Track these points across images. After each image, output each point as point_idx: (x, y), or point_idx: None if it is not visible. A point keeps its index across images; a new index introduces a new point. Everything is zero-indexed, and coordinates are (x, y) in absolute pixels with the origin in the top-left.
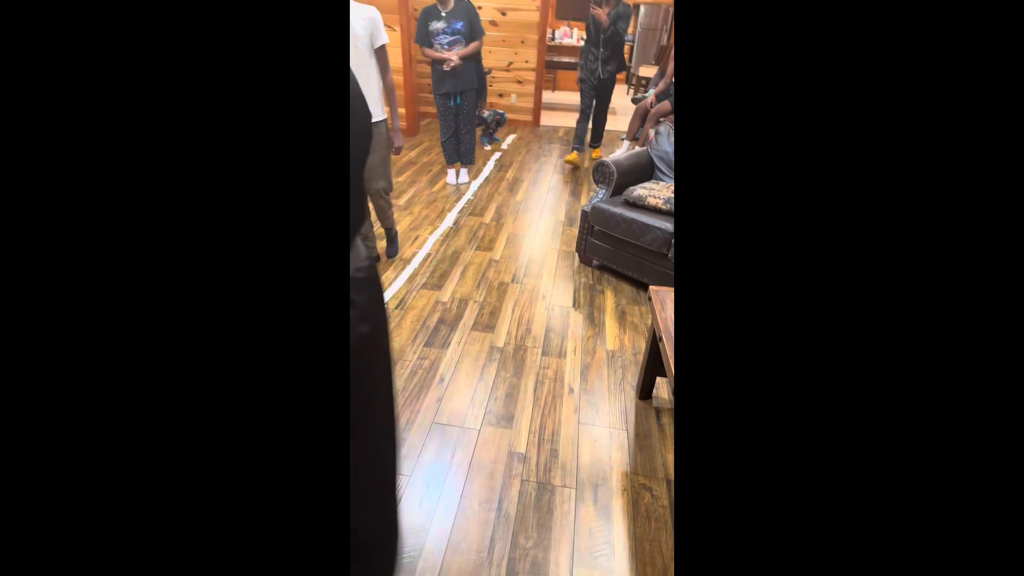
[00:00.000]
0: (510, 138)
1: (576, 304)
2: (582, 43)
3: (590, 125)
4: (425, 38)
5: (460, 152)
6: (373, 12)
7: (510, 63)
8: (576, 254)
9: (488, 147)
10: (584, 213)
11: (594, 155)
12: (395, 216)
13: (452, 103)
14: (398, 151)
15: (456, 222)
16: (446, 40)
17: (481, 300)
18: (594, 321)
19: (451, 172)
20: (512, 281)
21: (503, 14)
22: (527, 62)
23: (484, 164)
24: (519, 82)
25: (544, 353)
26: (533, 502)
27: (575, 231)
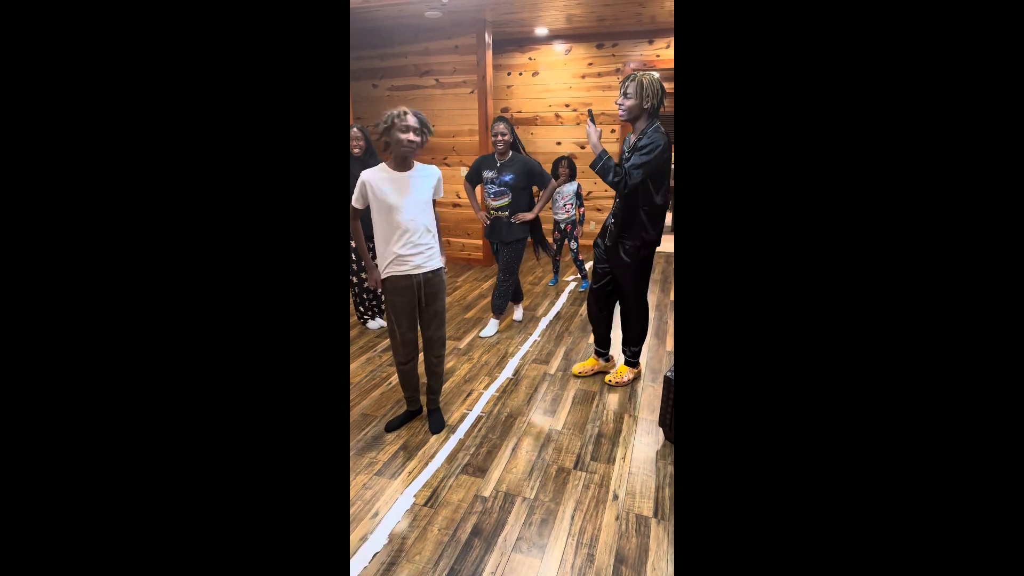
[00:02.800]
0: (588, 265)
1: (660, 514)
2: None
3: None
4: (475, 177)
5: (493, 300)
6: (437, 172)
7: (589, 192)
8: (660, 429)
9: (587, 288)
10: (667, 380)
11: (614, 375)
12: (452, 364)
13: (496, 249)
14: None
15: (517, 371)
16: (493, 190)
17: (532, 497)
18: None
19: (517, 310)
20: (575, 467)
21: (582, 148)
22: (606, 190)
23: (558, 296)
24: (598, 209)
25: None
26: None
27: (658, 388)
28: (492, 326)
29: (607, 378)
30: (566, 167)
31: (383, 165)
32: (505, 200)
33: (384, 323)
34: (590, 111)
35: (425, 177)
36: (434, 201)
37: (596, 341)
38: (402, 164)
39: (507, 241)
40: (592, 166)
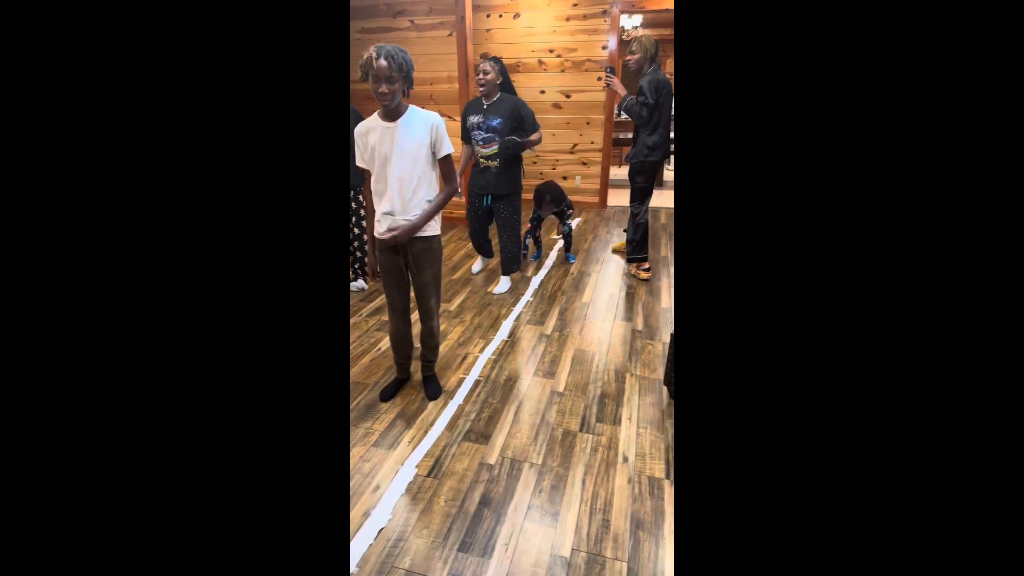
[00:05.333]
0: (575, 222)
1: (672, 475)
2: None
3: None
4: (466, 133)
5: (503, 261)
6: (436, 118)
7: (575, 145)
8: (665, 388)
9: (573, 261)
10: (674, 338)
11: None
12: (444, 326)
13: (484, 202)
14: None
15: (512, 333)
16: (480, 137)
17: (539, 463)
18: None
19: (478, 261)
20: (581, 429)
21: (567, 96)
22: (592, 143)
23: (547, 255)
24: (584, 164)
25: (631, 574)
26: None
27: (657, 346)
28: (504, 283)
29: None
30: (550, 202)
31: (376, 115)
32: (494, 148)
33: (365, 285)
34: (610, 68)
35: (418, 126)
36: (445, 158)
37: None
38: (391, 113)
39: (499, 195)
40: (618, 106)
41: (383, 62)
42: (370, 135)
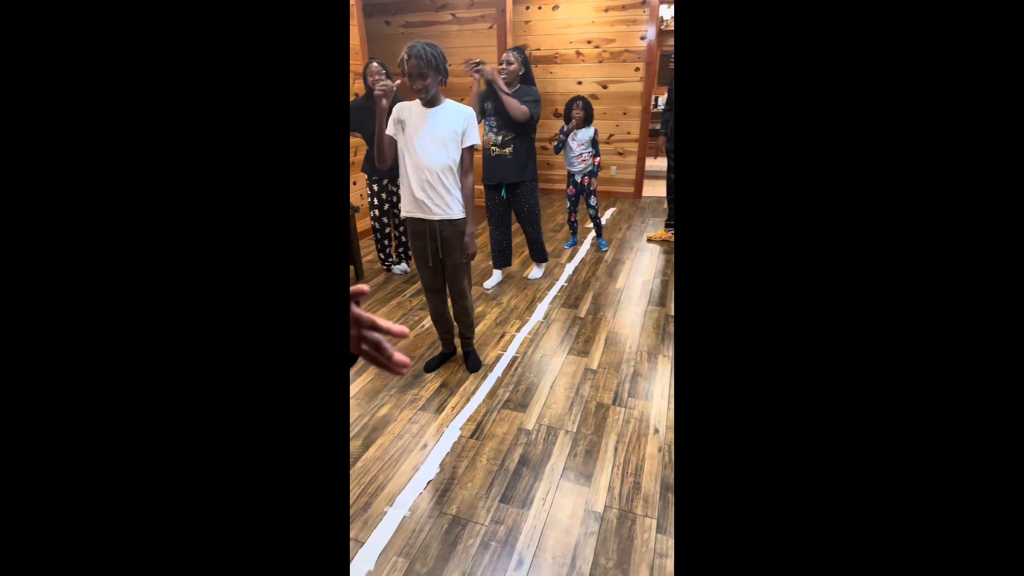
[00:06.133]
0: (609, 212)
1: None
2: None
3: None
4: (480, 115)
5: (534, 252)
6: (471, 112)
7: (611, 135)
8: None
9: (606, 249)
10: None
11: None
12: (481, 308)
13: (500, 195)
14: (471, 257)
15: (547, 315)
16: (493, 123)
17: (574, 431)
18: None
19: (496, 274)
20: (614, 403)
21: (604, 87)
22: (629, 133)
23: (581, 243)
24: (620, 154)
25: (660, 530)
26: None
27: None
28: (538, 270)
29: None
30: (580, 108)
31: (416, 100)
32: (507, 135)
33: (408, 268)
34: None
35: (451, 116)
36: (470, 147)
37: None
38: (428, 102)
39: (514, 183)
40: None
41: (414, 61)
42: (405, 113)
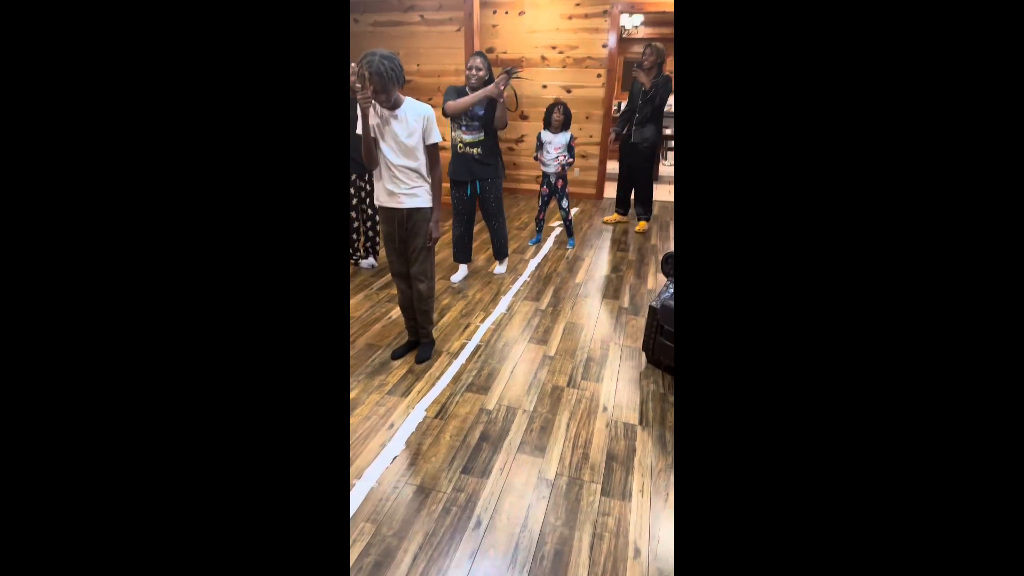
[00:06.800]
0: (572, 212)
1: (644, 421)
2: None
3: (632, 196)
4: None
5: (498, 247)
6: (428, 111)
7: (574, 138)
8: (643, 353)
9: (573, 247)
10: (652, 309)
11: (638, 228)
12: (447, 301)
13: (467, 193)
14: (435, 241)
15: (510, 307)
16: (464, 123)
17: (531, 410)
18: (666, 447)
19: (462, 268)
20: (568, 385)
21: (568, 91)
22: (591, 136)
23: (545, 241)
24: (583, 156)
25: (604, 493)
26: None
27: (641, 321)
28: (501, 267)
29: (636, 228)
30: (560, 113)
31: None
32: (479, 136)
33: (375, 263)
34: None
35: (410, 116)
36: (432, 146)
37: (617, 204)
38: (392, 104)
39: (483, 178)
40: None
41: (376, 79)
42: (372, 115)
